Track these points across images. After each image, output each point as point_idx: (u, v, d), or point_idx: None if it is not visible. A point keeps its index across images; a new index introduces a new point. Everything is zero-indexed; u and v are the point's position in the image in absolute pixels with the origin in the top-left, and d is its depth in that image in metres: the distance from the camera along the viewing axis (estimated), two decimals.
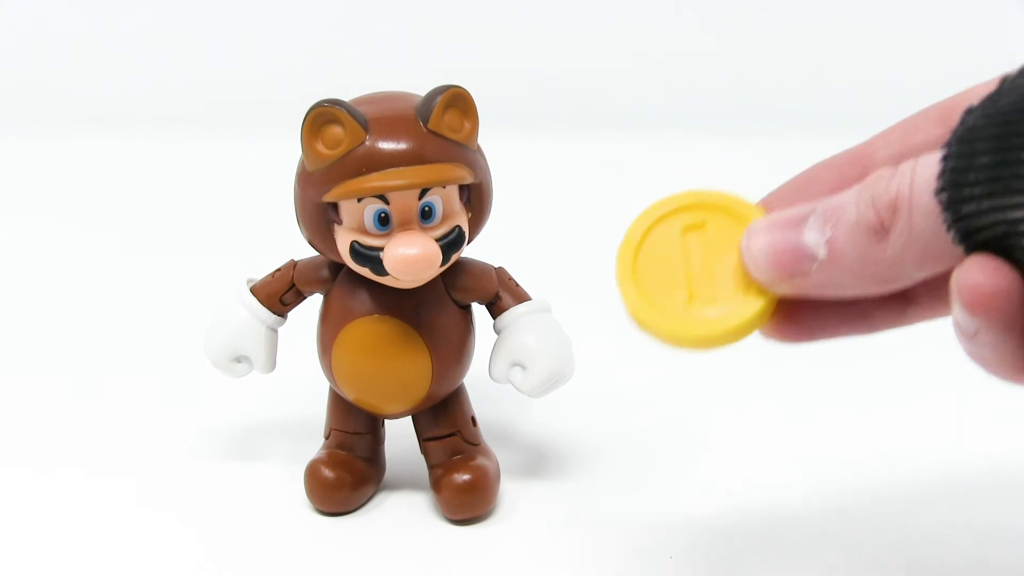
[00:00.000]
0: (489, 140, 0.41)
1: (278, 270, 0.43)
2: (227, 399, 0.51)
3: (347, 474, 0.43)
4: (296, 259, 0.43)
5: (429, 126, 0.39)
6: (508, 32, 1.05)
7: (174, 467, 0.46)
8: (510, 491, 0.44)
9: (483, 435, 0.44)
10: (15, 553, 0.41)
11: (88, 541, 0.41)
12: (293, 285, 0.43)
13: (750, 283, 0.32)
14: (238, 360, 0.43)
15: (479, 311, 0.43)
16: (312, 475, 0.43)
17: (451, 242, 0.39)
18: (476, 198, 0.41)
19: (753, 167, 0.89)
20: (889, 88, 1.01)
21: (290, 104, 0.54)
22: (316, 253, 0.42)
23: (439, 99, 0.39)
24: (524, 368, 0.42)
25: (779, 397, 0.51)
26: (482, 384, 0.44)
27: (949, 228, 0.28)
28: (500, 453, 0.45)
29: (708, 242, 0.33)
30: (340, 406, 0.44)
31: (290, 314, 0.44)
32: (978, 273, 0.28)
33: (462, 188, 0.40)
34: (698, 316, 0.32)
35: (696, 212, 0.33)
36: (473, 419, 0.44)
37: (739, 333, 0.32)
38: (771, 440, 0.48)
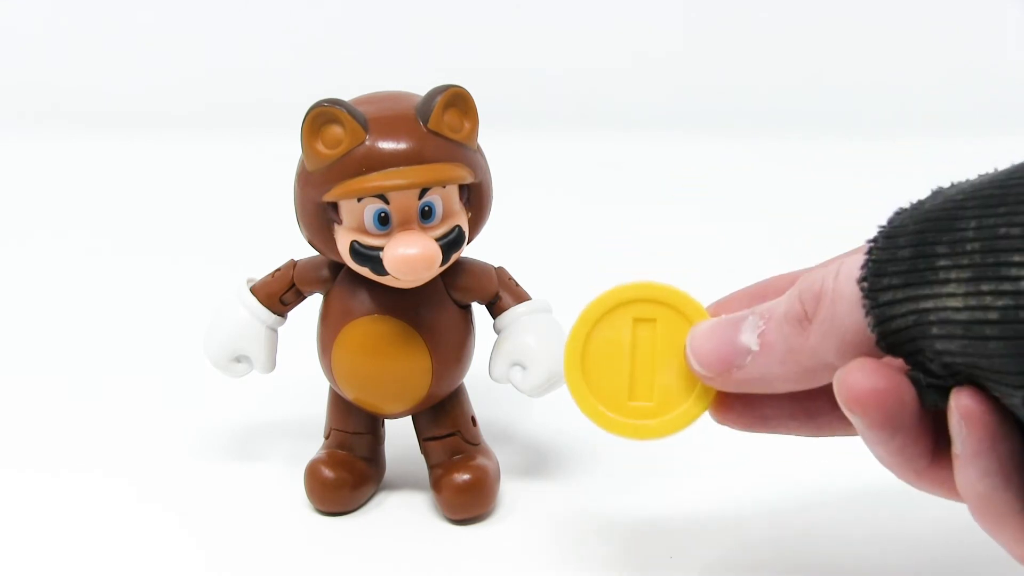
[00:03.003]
0: (489, 140, 0.41)
1: (278, 270, 0.43)
2: (227, 399, 0.51)
3: (347, 474, 0.43)
4: (296, 259, 0.43)
5: (429, 126, 0.39)
6: (508, 32, 1.05)
7: (174, 467, 0.46)
8: (510, 491, 0.44)
9: (483, 435, 0.44)
10: (15, 553, 0.41)
11: (88, 541, 0.41)
12: (293, 285, 0.43)
13: (691, 381, 0.35)
14: (238, 360, 0.43)
15: (479, 311, 0.43)
16: (312, 475, 0.43)
17: (451, 242, 0.39)
18: (476, 198, 0.41)
19: (753, 167, 0.89)
20: (889, 88, 1.01)
21: (290, 104, 0.54)
22: (316, 253, 0.42)
23: (439, 99, 0.39)
24: (524, 368, 0.42)
25: None
26: (482, 384, 0.44)
27: (867, 314, 0.29)
28: (500, 453, 0.45)
29: (656, 338, 0.35)
30: (340, 406, 0.44)
31: (290, 314, 0.44)
32: (857, 372, 0.30)
33: (462, 188, 0.40)
34: (636, 413, 0.35)
35: (649, 306, 0.35)
36: (473, 419, 0.44)
37: (674, 429, 0.35)
38: (771, 440, 0.48)
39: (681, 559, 0.40)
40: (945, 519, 0.42)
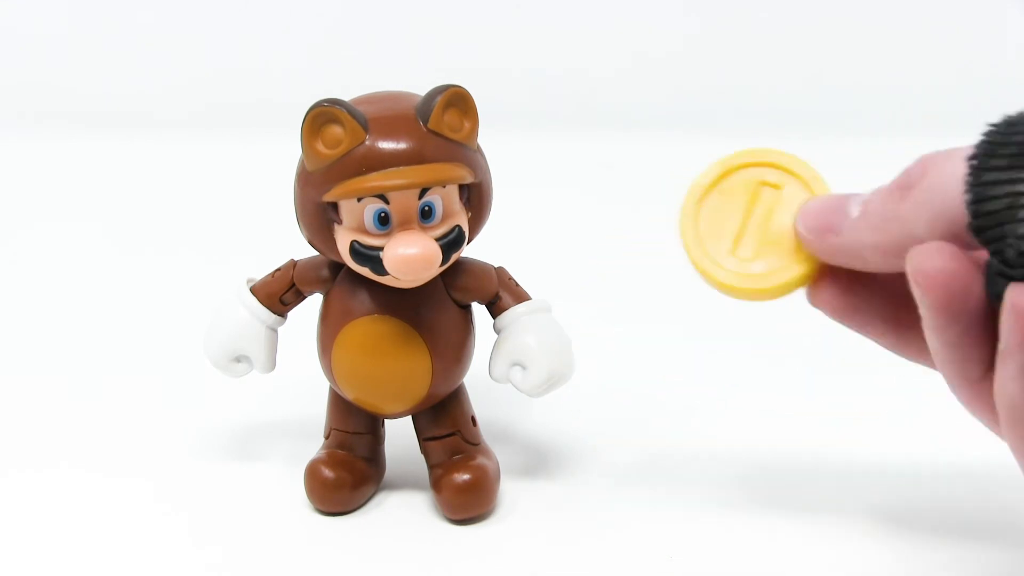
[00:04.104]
0: (489, 140, 0.41)
1: (278, 270, 0.43)
2: (227, 399, 0.51)
3: (347, 474, 0.43)
4: (296, 259, 0.43)
5: (429, 126, 0.39)
6: (508, 32, 1.05)
7: (174, 467, 0.46)
8: (510, 491, 0.44)
9: (483, 435, 0.44)
10: (14, 553, 0.41)
11: (88, 541, 0.41)
12: (293, 285, 0.43)
13: (797, 251, 0.35)
14: (238, 360, 0.43)
15: (479, 311, 0.43)
16: (312, 475, 0.43)
17: (451, 242, 0.39)
18: (476, 198, 0.41)
19: None
20: (889, 88, 1.01)
21: (290, 104, 0.54)
22: (316, 253, 0.42)
23: (439, 99, 0.39)
24: (524, 368, 0.42)
25: (780, 397, 0.51)
26: (482, 384, 0.44)
27: (967, 191, 0.29)
28: (500, 453, 0.45)
29: (777, 203, 0.35)
30: (340, 406, 0.44)
31: (290, 314, 0.44)
32: (932, 249, 0.30)
33: (462, 188, 0.40)
34: (737, 266, 0.35)
35: (780, 172, 0.36)
36: (473, 419, 0.44)
37: (767, 291, 0.35)
38: (771, 440, 0.48)
39: (681, 559, 0.40)
40: (952, 520, 0.42)
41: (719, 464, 0.46)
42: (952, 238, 0.30)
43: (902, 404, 0.50)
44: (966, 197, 0.29)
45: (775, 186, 0.36)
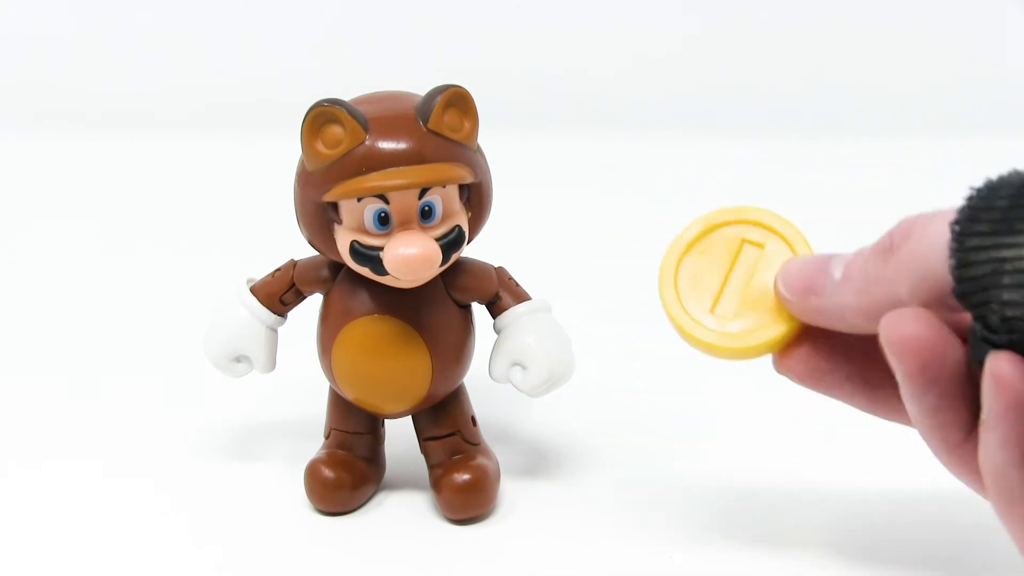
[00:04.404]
0: (489, 140, 0.41)
1: (278, 270, 0.43)
2: (227, 399, 0.51)
3: (347, 474, 0.43)
4: (296, 259, 0.43)
5: (429, 126, 0.39)
6: (508, 32, 1.05)
7: (174, 467, 0.46)
8: (510, 491, 0.44)
9: (483, 435, 0.44)
10: (15, 552, 0.41)
11: (88, 540, 0.41)
12: (293, 285, 0.43)
13: (776, 312, 0.35)
14: (238, 360, 0.43)
15: (479, 311, 0.43)
16: (312, 475, 0.43)
17: (451, 242, 0.39)
18: (476, 198, 0.41)
19: (753, 167, 0.89)
20: (889, 88, 1.01)
21: (290, 104, 0.54)
22: (316, 253, 0.42)
23: (439, 99, 0.39)
24: (524, 368, 0.42)
25: (779, 397, 0.51)
26: (482, 384, 0.44)
27: (951, 257, 0.29)
28: (500, 453, 0.45)
29: (759, 262, 0.35)
30: (340, 406, 0.44)
31: (290, 314, 0.44)
32: (907, 315, 0.30)
33: (462, 188, 0.40)
34: (717, 324, 0.35)
35: (763, 231, 0.36)
36: (473, 419, 0.44)
37: (744, 351, 0.35)
38: (771, 440, 0.48)
39: (681, 559, 0.40)
40: (952, 520, 0.42)
41: (720, 463, 0.46)
42: (936, 302, 0.30)
43: None
44: (950, 263, 0.29)
45: (758, 244, 0.36)
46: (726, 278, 0.35)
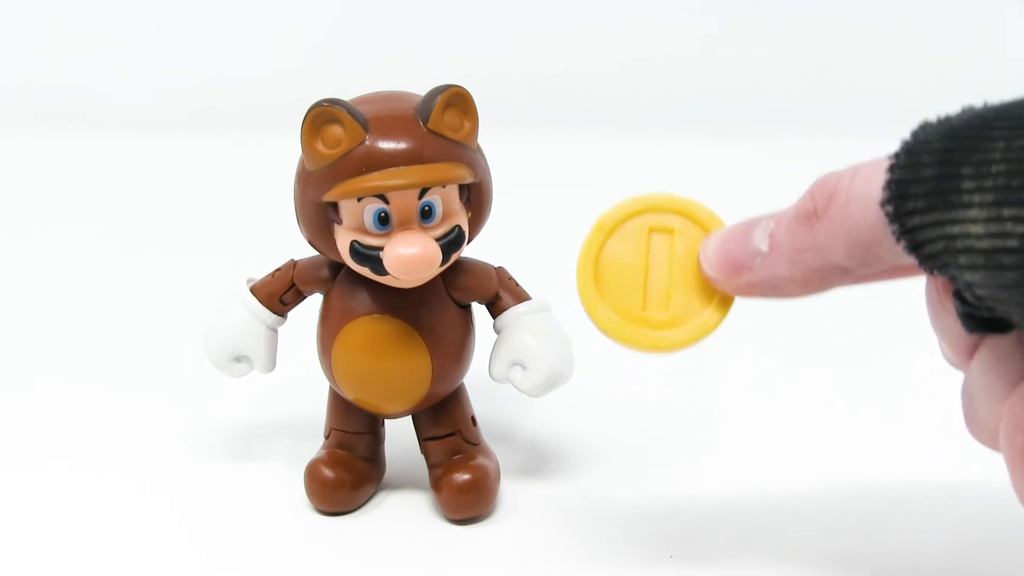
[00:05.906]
0: (489, 140, 0.41)
1: (278, 270, 0.43)
2: (227, 399, 0.51)
3: (347, 474, 0.43)
4: (296, 259, 0.43)
5: (429, 126, 0.39)
6: (508, 32, 1.05)
7: (174, 467, 0.46)
8: (510, 491, 0.44)
9: (483, 435, 0.44)
10: (14, 552, 0.41)
11: (88, 540, 0.41)
12: (293, 285, 0.43)
13: (708, 292, 0.33)
14: (238, 360, 0.43)
15: (479, 311, 0.43)
16: (312, 475, 0.43)
17: (451, 242, 0.39)
18: (476, 198, 0.41)
19: (752, 167, 0.89)
20: (889, 88, 1.01)
21: (290, 104, 0.54)
22: (316, 253, 0.42)
23: (439, 99, 0.39)
24: (524, 368, 0.42)
25: (778, 397, 0.51)
26: (482, 384, 0.44)
27: (899, 239, 0.28)
28: (500, 453, 0.45)
29: (673, 248, 0.34)
30: (340, 406, 0.44)
31: (290, 314, 0.44)
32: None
33: (462, 188, 0.40)
34: (651, 324, 0.34)
35: (666, 216, 0.34)
36: (473, 419, 0.44)
37: (691, 340, 0.34)
38: (771, 440, 0.48)
39: (681, 559, 0.40)
40: (953, 519, 0.42)
41: (720, 463, 0.46)
42: (875, 260, 0.29)
43: (906, 406, 0.50)
44: (904, 246, 0.28)
45: (666, 230, 0.34)
46: (645, 272, 0.34)
